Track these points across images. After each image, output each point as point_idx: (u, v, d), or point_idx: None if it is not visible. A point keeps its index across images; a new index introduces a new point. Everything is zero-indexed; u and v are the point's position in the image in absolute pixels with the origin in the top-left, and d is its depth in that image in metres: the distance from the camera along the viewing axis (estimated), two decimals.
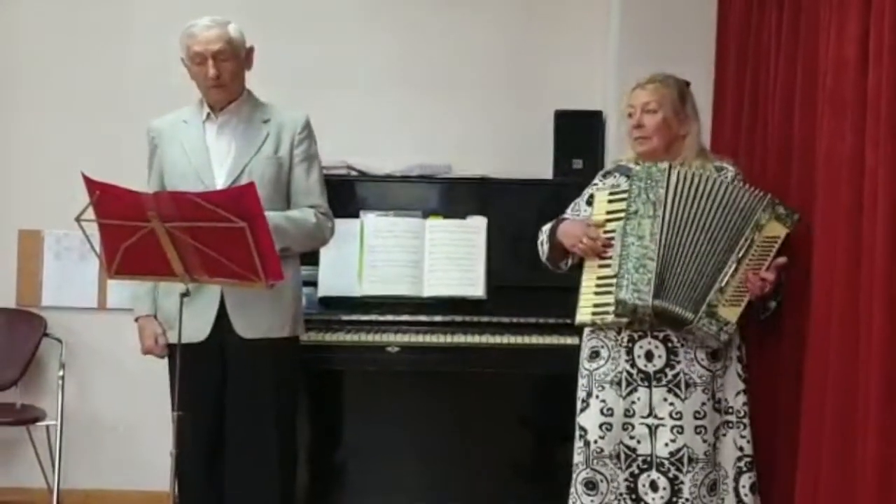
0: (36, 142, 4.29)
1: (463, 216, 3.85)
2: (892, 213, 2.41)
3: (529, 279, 3.57)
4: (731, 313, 2.83)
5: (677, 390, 2.90)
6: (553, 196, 3.45)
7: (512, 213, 3.81)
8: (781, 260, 2.86)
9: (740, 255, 2.84)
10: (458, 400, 3.81)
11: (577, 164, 3.97)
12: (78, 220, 2.75)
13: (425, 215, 3.85)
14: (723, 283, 2.84)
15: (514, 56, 4.29)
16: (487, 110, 4.26)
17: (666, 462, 2.89)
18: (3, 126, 4.30)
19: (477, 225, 3.82)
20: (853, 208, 2.59)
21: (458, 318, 3.70)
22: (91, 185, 2.75)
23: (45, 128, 4.28)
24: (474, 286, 3.74)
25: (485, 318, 3.70)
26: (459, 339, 3.63)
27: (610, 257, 2.92)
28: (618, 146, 3.76)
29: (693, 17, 3.87)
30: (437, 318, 3.70)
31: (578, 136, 4.01)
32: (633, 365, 2.93)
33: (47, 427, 4.10)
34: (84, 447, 4.21)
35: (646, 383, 2.92)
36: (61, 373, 4.16)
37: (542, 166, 4.04)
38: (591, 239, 2.93)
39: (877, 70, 2.48)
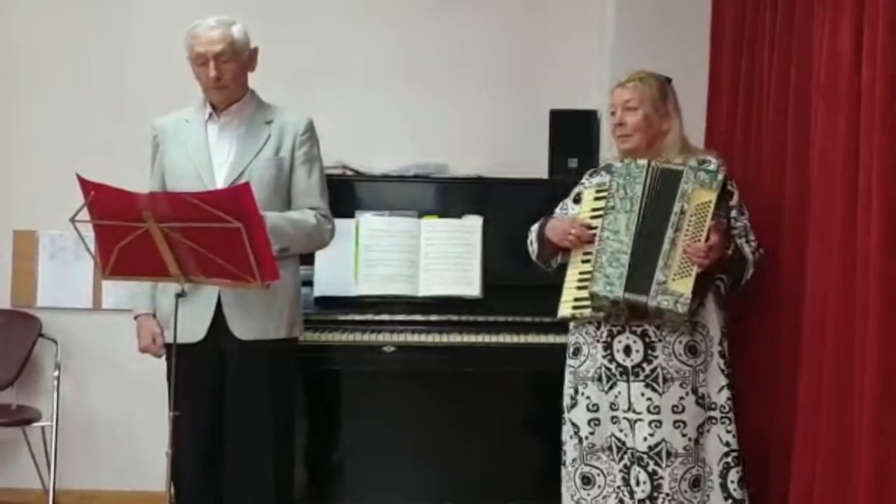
0: (32, 142, 4.28)
1: (459, 216, 3.86)
2: (886, 208, 2.41)
3: (525, 278, 3.56)
4: (682, 286, 2.83)
5: (655, 385, 2.93)
6: (549, 195, 3.44)
7: (508, 212, 3.81)
8: (712, 222, 2.83)
9: (675, 227, 2.85)
10: (455, 399, 3.81)
11: (573, 163, 3.98)
12: (73, 220, 2.75)
13: (421, 215, 3.85)
14: (666, 259, 2.84)
15: (510, 56, 4.29)
16: (483, 110, 4.26)
17: (645, 456, 2.92)
18: None
19: (473, 224, 3.82)
20: (848, 203, 2.60)
21: (454, 318, 3.70)
22: (86, 185, 2.75)
23: (42, 128, 4.28)
24: (470, 285, 3.74)
25: (481, 318, 3.69)
26: (455, 338, 3.63)
27: (591, 252, 2.95)
28: (612, 146, 3.76)
29: (688, 16, 3.88)
30: (433, 318, 3.70)
31: (574, 135, 4.01)
32: (611, 360, 2.97)
33: (43, 428, 4.09)
34: (80, 448, 4.21)
35: (624, 378, 2.95)
36: (56, 373, 4.14)
37: (537, 166, 4.05)
38: (578, 231, 2.97)
39: (870, 65, 2.49)
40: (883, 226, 2.41)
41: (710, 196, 2.84)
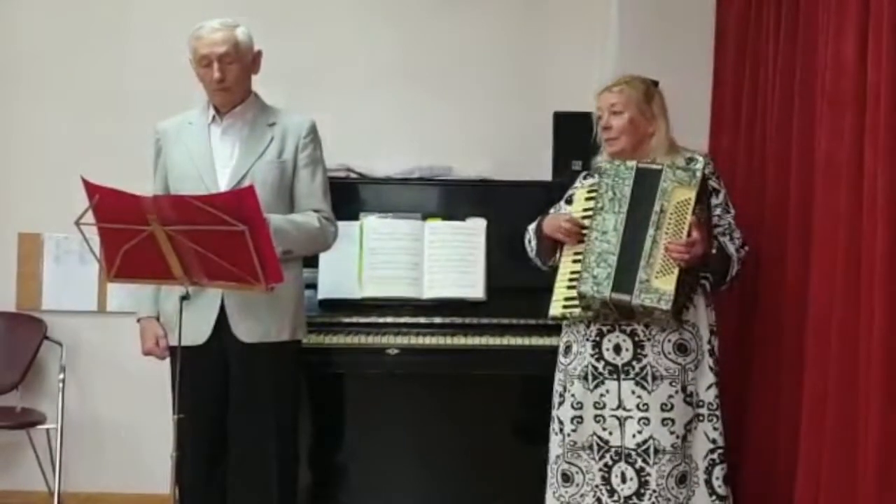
0: (36, 144, 4.29)
1: (462, 218, 3.85)
2: (891, 213, 2.41)
3: (529, 280, 3.56)
4: (665, 283, 2.84)
5: (644, 383, 2.96)
6: (552, 197, 3.44)
7: (511, 214, 3.80)
8: (692, 218, 2.84)
9: (656, 226, 2.87)
10: (458, 402, 3.81)
11: (576, 165, 3.94)
12: (77, 223, 2.75)
13: (425, 217, 3.84)
14: (648, 258, 2.86)
15: (514, 58, 4.29)
16: (487, 112, 4.26)
17: (633, 453, 2.95)
18: (2, 129, 4.30)
19: (476, 226, 3.82)
20: (853, 208, 2.60)
21: (458, 320, 3.69)
22: (90, 188, 2.75)
23: (45, 130, 4.28)
24: (474, 288, 3.74)
25: (484, 320, 3.69)
26: (459, 340, 3.63)
27: (582, 252, 2.98)
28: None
29: (692, 19, 3.88)
30: (437, 320, 3.70)
31: (577, 137, 3.97)
32: (600, 358, 3.00)
33: (48, 430, 4.10)
34: (84, 450, 4.21)
35: (614, 376, 2.98)
36: (62, 376, 4.16)
37: (541, 168, 4.04)
38: (569, 225, 3.00)
39: (875, 70, 2.49)
40: (887, 228, 2.42)
41: (690, 194, 2.85)
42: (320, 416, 3.84)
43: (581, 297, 2.92)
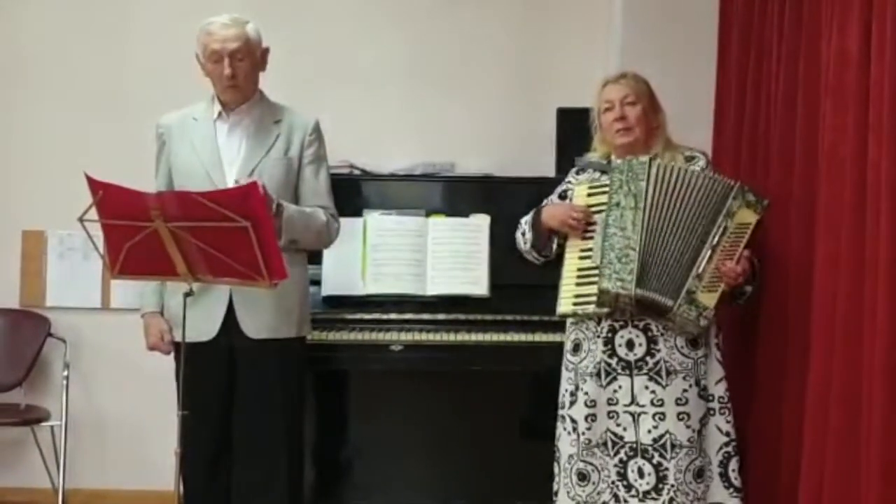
0: (39, 141, 4.29)
1: (466, 214, 3.85)
2: (895, 207, 2.41)
3: (533, 277, 3.56)
4: (708, 299, 2.88)
5: (658, 378, 2.96)
6: None
7: (515, 210, 3.78)
8: (746, 252, 2.91)
9: (714, 241, 2.90)
10: (462, 398, 3.81)
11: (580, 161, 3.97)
12: (81, 220, 2.75)
13: (428, 214, 3.85)
14: (699, 270, 2.89)
15: (517, 54, 4.29)
16: (490, 108, 4.26)
17: (650, 448, 2.95)
18: (5, 126, 4.31)
19: (480, 223, 3.82)
20: (856, 202, 2.59)
21: (462, 317, 3.70)
22: (94, 184, 2.75)
23: (48, 127, 4.28)
24: (478, 284, 3.74)
25: (488, 317, 3.69)
26: (463, 337, 3.63)
27: (590, 249, 2.98)
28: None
29: (695, 13, 3.88)
30: (441, 317, 3.70)
31: (581, 133, 3.98)
32: (612, 355, 2.99)
33: (52, 427, 4.10)
34: (89, 447, 4.22)
35: (627, 372, 2.97)
36: (66, 373, 4.16)
37: (544, 164, 4.04)
38: (578, 213, 2.99)
39: (879, 63, 2.49)
40: (891, 222, 2.41)
41: (752, 219, 2.91)
42: (324, 412, 3.85)
43: (603, 292, 2.90)
